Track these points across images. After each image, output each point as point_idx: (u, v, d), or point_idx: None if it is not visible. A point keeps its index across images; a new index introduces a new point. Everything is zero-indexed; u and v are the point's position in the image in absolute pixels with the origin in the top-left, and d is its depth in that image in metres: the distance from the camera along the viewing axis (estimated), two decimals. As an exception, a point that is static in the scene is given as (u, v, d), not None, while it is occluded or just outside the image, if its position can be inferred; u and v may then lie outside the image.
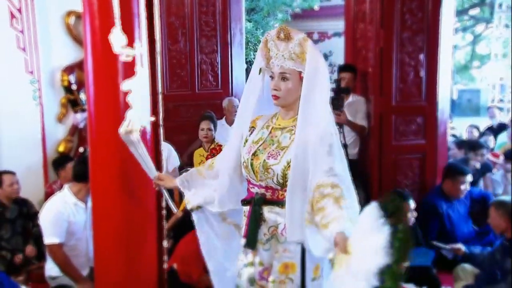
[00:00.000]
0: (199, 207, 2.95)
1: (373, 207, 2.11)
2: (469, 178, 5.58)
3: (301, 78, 2.58)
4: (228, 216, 3.02)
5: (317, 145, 2.51)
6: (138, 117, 2.99)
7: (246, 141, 2.79)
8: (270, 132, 2.73)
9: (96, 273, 4.19)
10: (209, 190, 2.92)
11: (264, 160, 2.64)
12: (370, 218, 2.08)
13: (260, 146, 2.70)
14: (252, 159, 2.69)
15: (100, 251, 4.10)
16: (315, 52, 2.59)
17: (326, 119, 2.59)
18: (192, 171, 3.05)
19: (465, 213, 5.64)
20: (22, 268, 5.10)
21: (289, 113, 2.70)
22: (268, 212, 2.69)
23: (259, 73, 2.73)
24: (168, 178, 3.13)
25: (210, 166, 2.99)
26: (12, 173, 5.35)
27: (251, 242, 2.70)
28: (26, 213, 5.37)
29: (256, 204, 2.68)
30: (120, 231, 3.94)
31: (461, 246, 5.03)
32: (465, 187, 5.51)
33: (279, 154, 2.61)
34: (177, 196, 4.86)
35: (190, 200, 2.96)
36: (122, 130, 3.00)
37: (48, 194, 5.60)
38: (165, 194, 3.18)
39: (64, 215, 4.52)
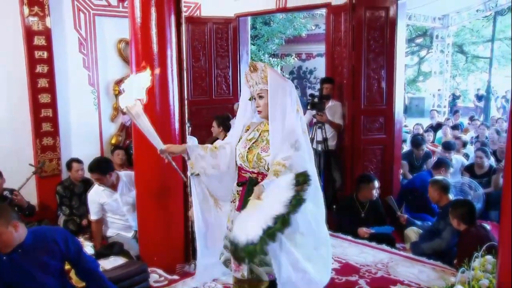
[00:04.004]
0: (198, 175, 2.79)
1: (290, 176, 2.33)
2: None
3: None
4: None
5: (285, 138, 2.52)
6: (130, 96, 2.60)
7: (241, 138, 2.77)
8: (260, 134, 2.71)
9: (140, 236, 4.20)
10: (207, 162, 2.75)
11: (258, 153, 2.63)
12: (286, 182, 2.30)
13: (253, 143, 2.69)
14: (247, 152, 2.67)
15: (143, 219, 4.10)
16: (273, 73, 2.61)
17: (292, 121, 2.58)
18: (199, 147, 2.82)
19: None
20: (87, 229, 5.06)
21: None
22: None
23: (250, 99, 2.75)
24: (175, 145, 2.87)
25: (215, 147, 2.82)
26: (80, 161, 5.31)
27: None
28: (89, 190, 5.28)
29: (250, 184, 2.61)
30: (156, 205, 3.92)
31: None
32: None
33: (269, 148, 2.60)
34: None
35: (194, 166, 2.75)
36: (123, 106, 2.61)
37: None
38: (173, 164, 2.76)
39: (95, 199, 4.53)
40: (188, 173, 2.81)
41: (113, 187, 4.55)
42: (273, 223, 2.14)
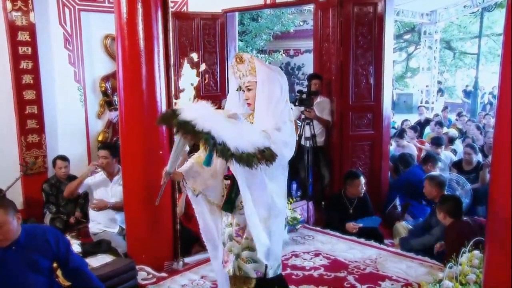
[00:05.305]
0: (200, 192, 2.72)
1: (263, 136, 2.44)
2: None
3: None
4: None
5: (269, 123, 2.51)
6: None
7: None
8: None
9: (128, 233, 4.19)
10: (206, 175, 2.71)
11: None
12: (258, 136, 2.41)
13: None
14: None
15: (131, 216, 4.09)
16: (260, 65, 2.60)
17: (280, 109, 2.57)
18: (193, 164, 2.75)
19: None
20: (74, 227, 5.05)
21: None
22: None
23: (238, 90, 2.76)
24: (178, 173, 2.70)
25: None
26: (65, 159, 5.26)
27: (229, 207, 2.65)
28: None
29: (235, 181, 2.55)
30: (144, 202, 3.88)
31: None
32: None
33: None
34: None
35: (196, 188, 2.71)
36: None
37: (90, 172, 5.53)
38: (163, 187, 2.70)
39: (88, 180, 4.66)
40: (189, 194, 2.76)
41: (111, 176, 4.65)
42: (263, 149, 2.35)
